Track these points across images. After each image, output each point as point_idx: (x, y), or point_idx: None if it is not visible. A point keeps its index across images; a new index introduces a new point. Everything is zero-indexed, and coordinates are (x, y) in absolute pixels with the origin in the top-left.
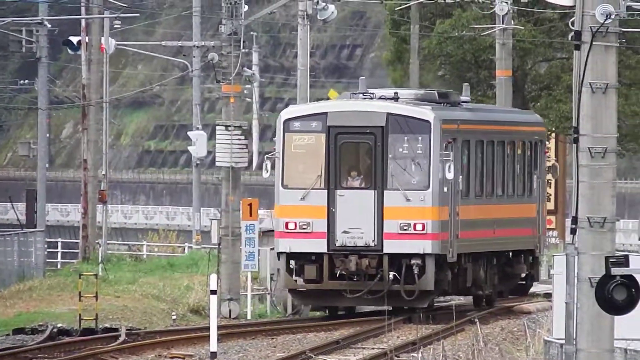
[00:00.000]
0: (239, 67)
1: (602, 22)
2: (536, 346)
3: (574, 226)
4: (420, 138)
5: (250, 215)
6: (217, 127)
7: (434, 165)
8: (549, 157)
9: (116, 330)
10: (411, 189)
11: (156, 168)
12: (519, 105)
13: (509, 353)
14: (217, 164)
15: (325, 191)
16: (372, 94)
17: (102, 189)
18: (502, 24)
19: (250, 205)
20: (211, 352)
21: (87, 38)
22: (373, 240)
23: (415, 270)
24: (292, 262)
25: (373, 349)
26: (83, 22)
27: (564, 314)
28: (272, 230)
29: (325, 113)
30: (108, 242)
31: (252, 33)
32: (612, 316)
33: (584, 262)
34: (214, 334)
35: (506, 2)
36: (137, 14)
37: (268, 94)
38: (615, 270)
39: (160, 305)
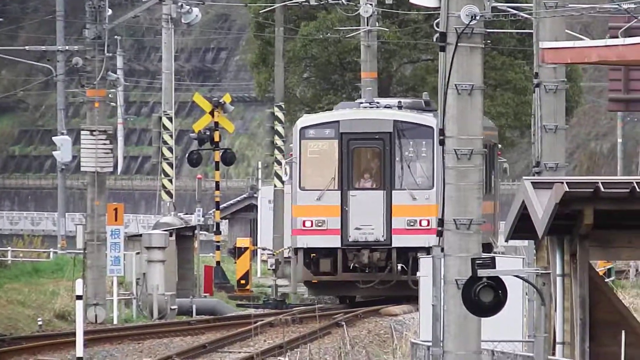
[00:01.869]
0: (103, 71)
1: (467, 23)
2: (403, 349)
3: (440, 228)
4: (424, 142)
5: (116, 220)
6: (82, 132)
7: (438, 167)
8: (501, 159)
9: None
10: (417, 189)
11: (21, 173)
12: None
13: (376, 356)
14: (82, 168)
15: (339, 192)
16: (378, 103)
17: None
18: (367, 25)
19: (115, 210)
20: (77, 358)
21: None
22: (383, 236)
23: None
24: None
25: (240, 352)
26: None
27: (430, 316)
28: (138, 235)
29: (338, 121)
30: None
31: (116, 37)
32: (479, 318)
33: (450, 264)
34: (80, 339)
35: (370, 4)
36: (0, 19)
37: (133, 98)
38: (482, 272)
39: (25, 311)
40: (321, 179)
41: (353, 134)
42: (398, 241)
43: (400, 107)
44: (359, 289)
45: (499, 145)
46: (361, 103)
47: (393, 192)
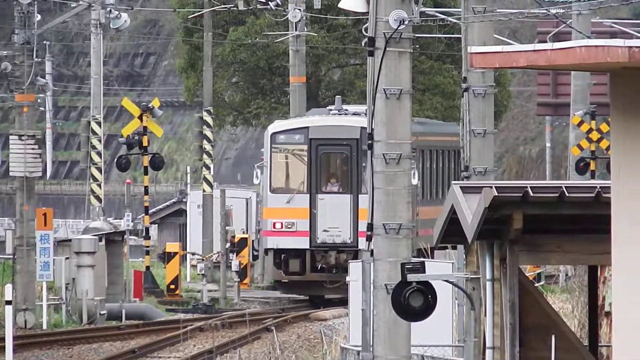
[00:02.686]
0: (32, 76)
1: (395, 28)
2: (333, 353)
3: (369, 233)
4: None
5: (45, 224)
6: (11, 137)
7: None
8: None
9: None
10: None
11: None
12: None
13: None
14: (10, 173)
15: (308, 195)
16: (347, 110)
17: None
18: (296, 30)
19: (44, 214)
20: None
21: None
22: (349, 238)
23: None
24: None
25: (169, 357)
26: None
27: (360, 320)
28: (68, 240)
29: (307, 127)
30: None
31: (45, 42)
32: (409, 323)
33: (380, 268)
34: (9, 344)
35: (299, 9)
36: None
37: (62, 103)
38: (412, 277)
39: None
40: (291, 183)
41: (322, 140)
42: (364, 243)
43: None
44: (326, 288)
45: None
46: (331, 110)
47: (360, 196)
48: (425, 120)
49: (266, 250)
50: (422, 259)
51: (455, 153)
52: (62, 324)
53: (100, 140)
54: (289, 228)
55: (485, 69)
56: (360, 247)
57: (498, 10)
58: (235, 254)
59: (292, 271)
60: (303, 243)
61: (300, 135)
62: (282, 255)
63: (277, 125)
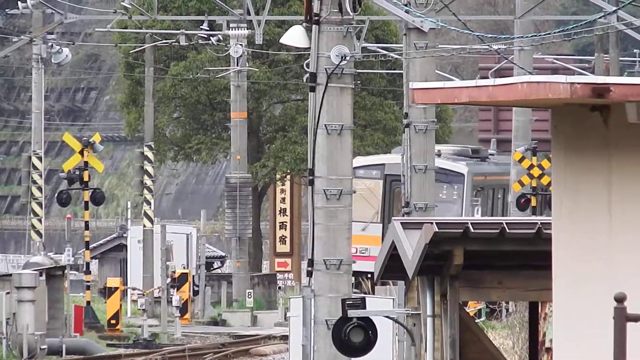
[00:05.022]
0: None
1: (337, 63)
2: None
3: (310, 268)
4: (455, 186)
5: None
6: None
7: (466, 208)
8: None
9: None
10: None
11: None
12: (255, 147)
13: None
14: None
15: (381, 225)
16: None
17: None
18: (237, 65)
19: None
20: None
21: None
22: None
23: None
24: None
25: None
26: None
27: (300, 356)
28: (8, 274)
29: (384, 164)
30: None
31: None
32: (350, 358)
33: (320, 304)
34: None
35: (241, 45)
36: None
37: (2, 137)
38: (352, 313)
39: None
40: (366, 213)
41: (395, 176)
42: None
43: (439, 155)
44: None
45: None
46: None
47: None
48: (500, 160)
49: None
50: (363, 295)
51: None
52: (2, 358)
53: (41, 175)
54: (363, 253)
55: (426, 105)
56: None
57: (440, 46)
58: (175, 289)
59: (364, 292)
60: None
61: (377, 171)
62: (357, 278)
63: (358, 160)
